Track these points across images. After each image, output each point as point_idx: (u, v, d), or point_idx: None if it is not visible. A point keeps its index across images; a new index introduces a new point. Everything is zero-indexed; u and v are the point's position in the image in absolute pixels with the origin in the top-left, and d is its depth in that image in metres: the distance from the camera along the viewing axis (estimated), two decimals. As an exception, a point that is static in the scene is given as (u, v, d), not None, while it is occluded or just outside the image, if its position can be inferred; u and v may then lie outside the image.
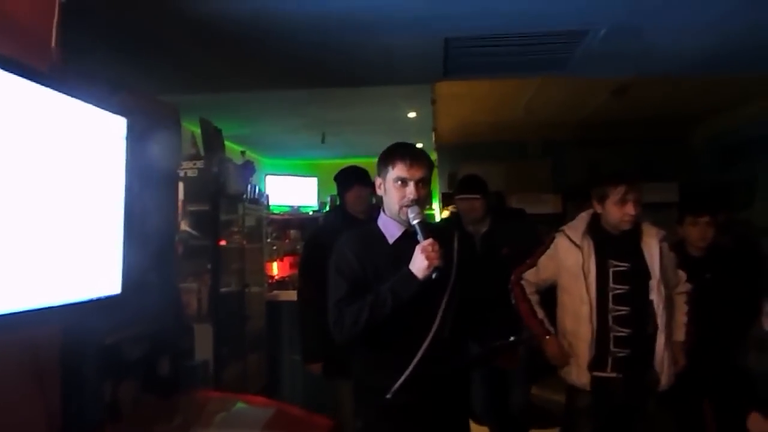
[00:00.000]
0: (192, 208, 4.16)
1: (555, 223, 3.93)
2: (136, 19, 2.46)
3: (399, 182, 1.94)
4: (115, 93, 1.98)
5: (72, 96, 1.67)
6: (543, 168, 7.10)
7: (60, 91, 1.63)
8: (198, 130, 4.46)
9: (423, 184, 1.96)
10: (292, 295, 4.52)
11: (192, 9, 2.40)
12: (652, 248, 2.55)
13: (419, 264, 1.85)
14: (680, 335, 2.66)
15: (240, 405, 2.59)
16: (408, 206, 1.93)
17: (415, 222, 1.91)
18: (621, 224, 2.54)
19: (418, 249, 1.86)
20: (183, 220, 4.18)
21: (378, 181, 2.04)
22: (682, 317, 2.69)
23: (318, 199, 8.18)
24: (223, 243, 4.45)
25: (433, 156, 7.29)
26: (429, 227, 1.94)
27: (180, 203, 4.18)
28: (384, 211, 2.06)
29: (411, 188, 1.93)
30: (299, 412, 2.54)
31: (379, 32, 2.67)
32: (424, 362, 1.91)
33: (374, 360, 2.01)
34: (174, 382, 2.55)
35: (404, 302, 1.86)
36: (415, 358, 1.90)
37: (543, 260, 2.72)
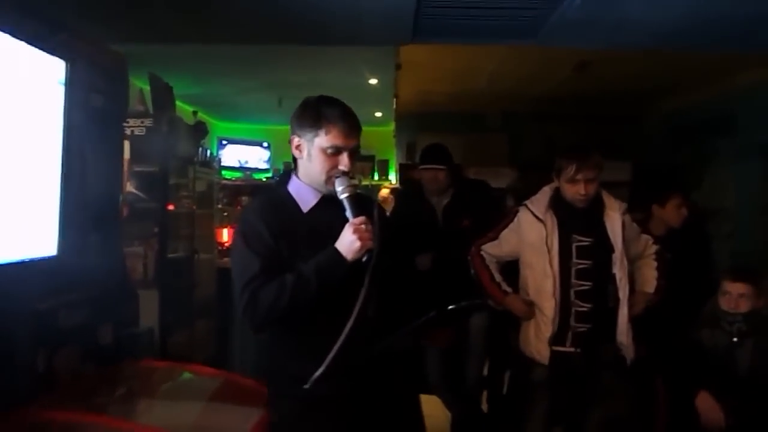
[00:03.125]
0: (139, 169, 3.96)
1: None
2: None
3: (331, 150, 1.69)
4: (55, 33, 1.77)
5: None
6: (500, 141, 7.08)
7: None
8: (147, 87, 4.21)
9: (354, 153, 1.74)
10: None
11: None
12: (614, 221, 2.52)
13: (350, 245, 1.64)
14: (650, 288, 2.65)
15: (186, 375, 2.48)
16: (338, 177, 1.71)
17: (343, 196, 1.69)
18: (574, 202, 2.51)
19: (348, 228, 1.65)
20: (129, 181, 3.99)
21: (296, 140, 1.74)
22: (651, 272, 2.67)
23: (272, 166, 7.99)
24: (171, 207, 4.26)
25: (392, 125, 7.18)
26: (356, 202, 1.71)
27: (126, 163, 3.98)
28: (297, 176, 1.80)
29: (344, 158, 1.70)
30: (247, 381, 2.44)
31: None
32: (347, 346, 1.66)
33: (291, 345, 1.76)
34: (117, 351, 2.39)
35: (331, 285, 1.65)
36: (337, 341, 1.65)
37: (505, 234, 2.67)
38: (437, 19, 2.82)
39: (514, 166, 6.46)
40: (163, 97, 4.19)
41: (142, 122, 3.97)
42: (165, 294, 3.95)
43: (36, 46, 1.60)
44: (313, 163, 1.72)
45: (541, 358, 2.52)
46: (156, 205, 3.99)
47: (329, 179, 1.71)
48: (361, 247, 1.63)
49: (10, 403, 1.72)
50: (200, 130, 4.67)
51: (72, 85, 1.76)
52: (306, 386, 1.67)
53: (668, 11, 2.65)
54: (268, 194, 1.88)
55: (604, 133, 6.69)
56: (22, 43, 1.56)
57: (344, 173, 1.70)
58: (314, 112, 1.72)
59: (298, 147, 1.75)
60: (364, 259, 1.65)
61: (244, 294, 1.64)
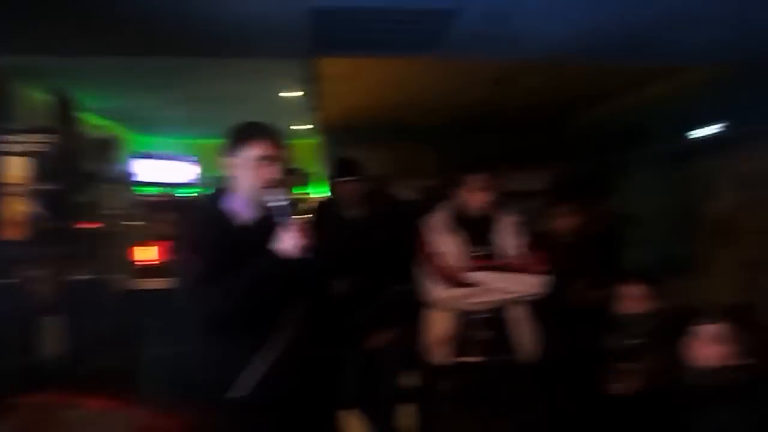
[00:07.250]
0: (42, 187, 3.78)
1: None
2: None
3: (260, 161, 1.83)
4: None
5: None
6: (428, 154, 7.12)
7: None
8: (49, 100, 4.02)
9: (281, 164, 1.87)
10: (158, 284, 4.22)
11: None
12: (504, 231, 2.63)
13: (287, 244, 1.74)
14: None
15: (80, 409, 2.34)
16: (271, 187, 1.82)
17: (276, 203, 1.80)
18: (476, 210, 2.60)
19: (286, 229, 1.76)
20: (31, 201, 3.81)
21: (228, 158, 1.87)
22: None
23: (199, 181, 7.76)
24: (80, 226, 4.07)
25: (316, 138, 7.12)
26: (289, 208, 1.82)
27: (27, 181, 3.81)
28: (231, 192, 1.89)
29: (275, 168, 1.84)
30: (148, 413, 2.33)
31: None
32: (278, 359, 1.76)
33: (221, 350, 1.76)
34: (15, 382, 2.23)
35: (274, 284, 1.74)
36: (266, 352, 1.74)
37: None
38: (335, 32, 2.81)
39: (440, 180, 6.53)
40: (67, 112, 4.01)
41: (44, 138, 3.81)
42: (71, 319, 3.78)
43: None
44: (245, 176, 1.84)
45: (433, 357, 2.55)
46: (62, 224, 3.83)
47: (261, 190, 1.81)
48: (299, 244, 1.73)
49: None
50: (109, 146, 4.49)
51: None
52: (243, 394, 1.72)
53: (563, 27, 2.73)
54: (202, 208, 2.00)
55: (525, 143, 6.86)
56: None
57: (275, 183, 1.81)
58: (244, 131, 1.87)
59: (230, 164, 1.87)
60: (300, 257, 1.74)
61: (193, 293, 1.72)
